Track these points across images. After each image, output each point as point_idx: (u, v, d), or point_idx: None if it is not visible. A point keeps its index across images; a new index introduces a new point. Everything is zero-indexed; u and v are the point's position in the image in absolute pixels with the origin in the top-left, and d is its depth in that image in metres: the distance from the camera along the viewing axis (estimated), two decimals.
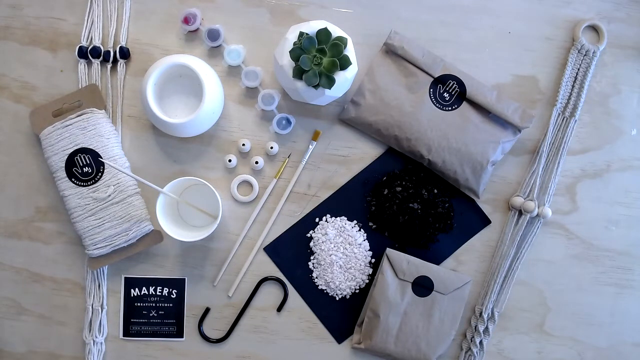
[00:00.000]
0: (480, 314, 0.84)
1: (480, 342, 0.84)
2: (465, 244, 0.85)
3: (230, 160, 0.83)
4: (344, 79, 0.76)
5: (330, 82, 0.74)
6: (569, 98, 0.85)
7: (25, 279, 0.84)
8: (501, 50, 0.85)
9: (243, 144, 0.83)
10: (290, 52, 0.74)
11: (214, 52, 0.84)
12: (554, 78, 0.86)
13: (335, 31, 0.76)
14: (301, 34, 0.74)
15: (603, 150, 0.86)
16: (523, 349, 0.86)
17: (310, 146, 0.84)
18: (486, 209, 0.86)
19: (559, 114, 0.85)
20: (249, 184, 0.85)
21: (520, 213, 0.84)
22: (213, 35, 0.82)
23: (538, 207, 0.83)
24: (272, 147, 0.83)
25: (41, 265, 0.84)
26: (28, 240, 0.84)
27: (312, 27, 0.75)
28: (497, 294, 0.85)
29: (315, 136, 0.84)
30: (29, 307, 0.84)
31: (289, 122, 0.83)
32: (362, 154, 0.85)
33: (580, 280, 0.86)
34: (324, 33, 0.74)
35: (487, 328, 0.84)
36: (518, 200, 0.84)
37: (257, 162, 0.83)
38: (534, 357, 0.86)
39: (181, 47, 0.84)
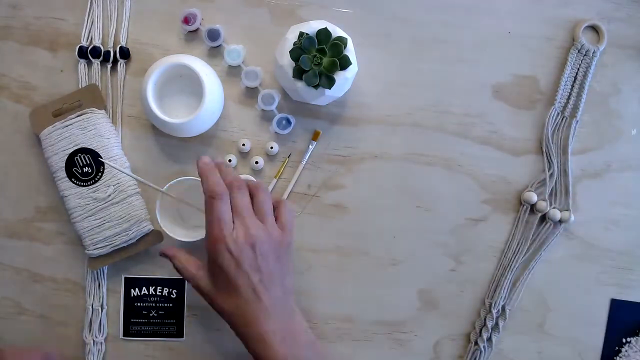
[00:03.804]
0: (490, 308, 0.84)
1: (489, 338, 0.84)
2: (466, 243, 0.85)
3: (230, 160, 0.83)
4: (344, 79, 0.76)
5: (330, 82, 0.74)
6: (569, 98, 0.85)
7: (25, 279, 0.84)
8: (501, 50, 0.85)
9: (243, 144, 0.83)
10: (290, 52, 0.74)
11: (214, 52, 0.84)
12: (554, 78, 0.86)
13: (335, 31, 0.76)
14: (301, 34, 0.74)
15: (603, 150, 0.86)
16: (523, 349, 0.86)
17: (310, 146, 0.84)
18: (486, 208, 0.86)
19: (558, 113, 0.85)
20: None
21: (533, 211, 0.84)
22: (213, 35, 0.82)
23: (561, 212, 0.84)
24: (272, 147, 0.83)
25: (41, 265, 0.84)
26: (28, 240, 0.84)
27: (312, 27, 0.75)
28: (508, 291, 0.84)
29: (315, 136, 0.84)
30: (29, 307, 0.84)
31: (289, 122, 0.83)
32: (362, 154, 0.85)
33: (580, 280, 0.86)
34: (324, 33, 0.74)
35: (496, 324, 0.84)
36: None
37: (257, 162, 0.83)
38: (534, 357, 0.86)
39: (181, 47, 0.84)
